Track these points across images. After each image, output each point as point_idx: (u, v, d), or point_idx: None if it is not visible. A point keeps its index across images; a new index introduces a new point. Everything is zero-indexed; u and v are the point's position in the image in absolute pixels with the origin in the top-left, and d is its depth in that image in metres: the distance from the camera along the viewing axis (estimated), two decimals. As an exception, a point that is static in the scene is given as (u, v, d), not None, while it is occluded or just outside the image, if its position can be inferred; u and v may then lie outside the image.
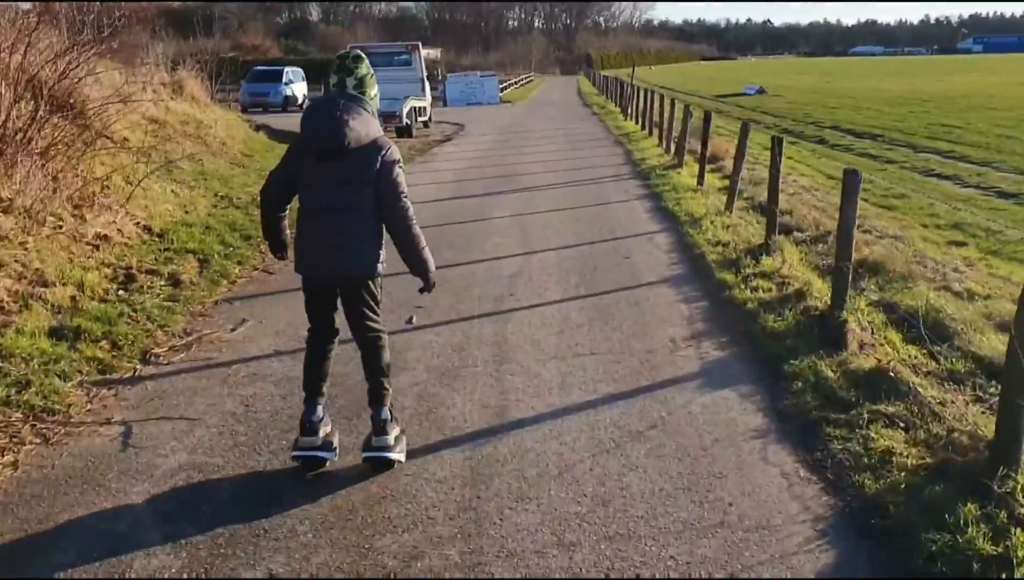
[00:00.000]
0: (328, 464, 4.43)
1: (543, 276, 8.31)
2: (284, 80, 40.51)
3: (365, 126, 4.10)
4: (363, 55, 4.32)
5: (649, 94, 24.12)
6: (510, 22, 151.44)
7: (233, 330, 6.71)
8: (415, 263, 4.37)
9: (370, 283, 4.33)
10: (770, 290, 7.38)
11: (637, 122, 26.07)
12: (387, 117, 23.44)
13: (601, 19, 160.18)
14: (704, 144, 13.47)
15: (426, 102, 27.53)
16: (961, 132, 26.62)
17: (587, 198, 13.06)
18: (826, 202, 13.61)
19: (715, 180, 14.36)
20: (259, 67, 44.29)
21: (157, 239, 9.06)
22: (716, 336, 6.51)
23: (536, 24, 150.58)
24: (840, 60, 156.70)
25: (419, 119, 26.76)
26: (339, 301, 4.39)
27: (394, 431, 4.41)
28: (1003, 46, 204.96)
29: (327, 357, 4.50)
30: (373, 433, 4.38)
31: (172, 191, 11.43)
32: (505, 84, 57.18)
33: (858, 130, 28.84)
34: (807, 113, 36.30)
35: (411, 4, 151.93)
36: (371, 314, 4.37)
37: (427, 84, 28.46)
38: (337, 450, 4.50)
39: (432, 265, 4.40)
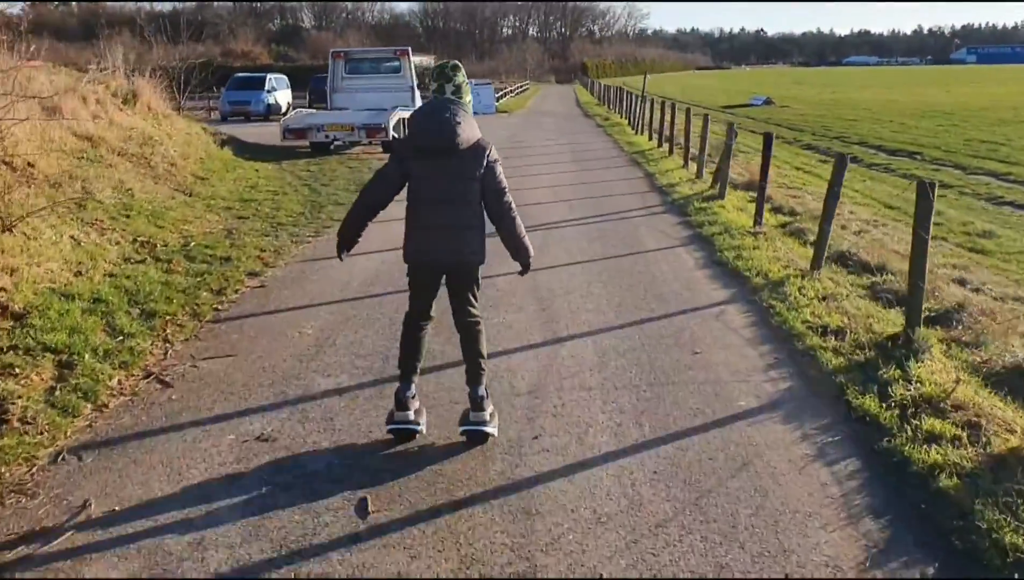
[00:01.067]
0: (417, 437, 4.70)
1: (580, 393, 5.38)
2: (267, 88, 37.59)
3: (470, 128, 4.49)
4: (460, 65, 4.69)
5: (665, 106, 21.29)
6: (504, 30, 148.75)
7: (56, 534, 3.77)
8: (518, 249, 4.66)
9: (477, 268, 4.64)
10: (960, 441, 4.45)
11: (651, 138, 23.18)
12: (371, 130, 20.59)
13: (596, 27, 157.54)
14: (764, 172, 10.54)
15: (417, 112, 24.59)
16: (1008, 150, 23.83)
17: (616, 242, 10.15)
18: (906, 244, 10.73)
19: (768, 216, 11.50)
20: (240, 74, 41.36)
21: (11, 325, 6.11)
22: (917, 561, 3.59)
23: (530, 32, 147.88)
24: (836, 70, 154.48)
25: (409, 132, 23.88)
26: (440, 288, 4.70)
27: (489, 407, 4.71)
28: (996, 56, 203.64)
29: (423, 338, 4.75)
30: (471, 409, 4.69)
31: (72, 238, 8.48)
32: (501, 93, 54.33)
33: (889, 146, 26.03)
34: (826, 126, 33.50)
35: (404, 11, 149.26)
36: (473, 300, 4.69)
37: (418, 93, 25.53)
38: (425, 425, 4.75)
39: (532, 251, 4.70)
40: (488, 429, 4.66)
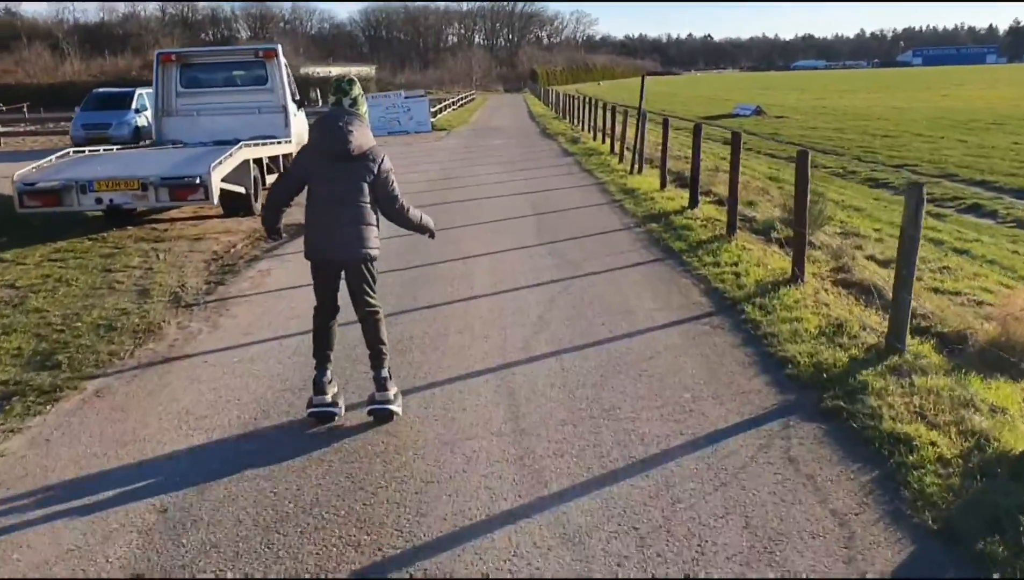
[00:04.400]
0: (336, 419, 4.85)
1: None
2: (134, 106, 27.77)
3: (363, 136, 4.78)
4: (355, 80, 4.98)
5: (666, 129, 12.06)
6: (450, 37, 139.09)
7: None
8: (420, 231, 5.15)
9: (370, 263, 4.86)
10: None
11: (664, 184, 13.83)
12: (177, 188, 11.12)
13: (544, 34, 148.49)
14: None
15: (291, 146, 15.05)
16: None
17: None
18: None
19: None
20: (100, 89, 31.23)
21: None
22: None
23: (477, 40, 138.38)
24: (789, 74, 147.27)
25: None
26: (342, 282, 4.90)
27: (393, 388, 4.93)
28: (941, 58, 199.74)
29: (332, 330, 5.00)
30: (376, 390, 4.89)
31: None
32: (442, 105, 44.92)
33: (1003, 183, 17.10)
34: (863, 147, 24.57)
35: (345, 20, 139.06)
36: (370, 291, 4.89)
37: (298, 115, 16.02)
38: (343, 408, 4.94)
39: (431, 223, 5.14)
40: (393, 407, 4.86)
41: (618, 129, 19.79)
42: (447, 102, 48.74)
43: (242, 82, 15.58)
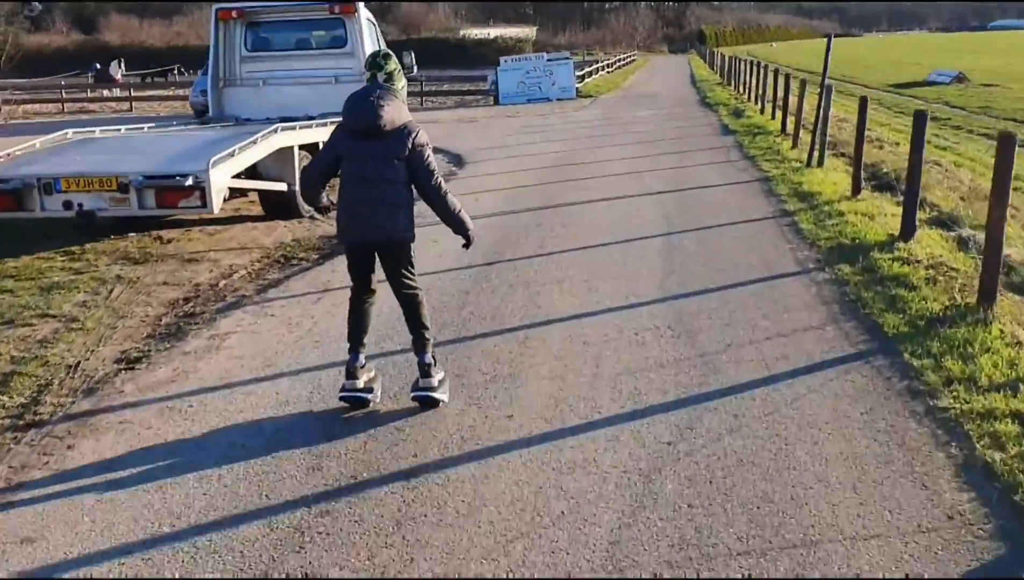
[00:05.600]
0: (370, 405, 4.51)
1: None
2: (260, 68, 24.99)
3: (396, 111, 4.34)
4: (391, 54, 4.56)
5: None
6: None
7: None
8: (455, 225, 4.55)
9: (405, 245, 4.50)
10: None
11: (856, 187, 9.61)
12: (164, 191, 7.98)
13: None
14: None
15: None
16: None
17: None
18: None
19: None
20: (223, 50, 29.17)
21: None
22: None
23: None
24: (985, 35, 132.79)
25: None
26: (377, 264, 4.53)
27: (438, 374, 4.59)
28: None
29: (367, 312, 4.66)
30: (419, 376, 4.55)
31: None
32: (593, 67, 40.82)
33: None
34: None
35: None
36: (408, 273, 4.54)
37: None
38: (378, 393, 4.60)
39: (470, 223, 4.56)
40: (437, 394, 4.55)
41: (792, 101, 15.51)
42: (600, 64, 44.47)
43: (317, 45, 12.53)
